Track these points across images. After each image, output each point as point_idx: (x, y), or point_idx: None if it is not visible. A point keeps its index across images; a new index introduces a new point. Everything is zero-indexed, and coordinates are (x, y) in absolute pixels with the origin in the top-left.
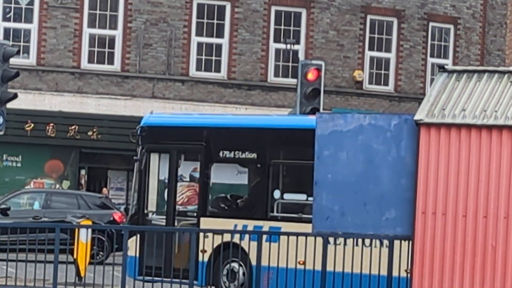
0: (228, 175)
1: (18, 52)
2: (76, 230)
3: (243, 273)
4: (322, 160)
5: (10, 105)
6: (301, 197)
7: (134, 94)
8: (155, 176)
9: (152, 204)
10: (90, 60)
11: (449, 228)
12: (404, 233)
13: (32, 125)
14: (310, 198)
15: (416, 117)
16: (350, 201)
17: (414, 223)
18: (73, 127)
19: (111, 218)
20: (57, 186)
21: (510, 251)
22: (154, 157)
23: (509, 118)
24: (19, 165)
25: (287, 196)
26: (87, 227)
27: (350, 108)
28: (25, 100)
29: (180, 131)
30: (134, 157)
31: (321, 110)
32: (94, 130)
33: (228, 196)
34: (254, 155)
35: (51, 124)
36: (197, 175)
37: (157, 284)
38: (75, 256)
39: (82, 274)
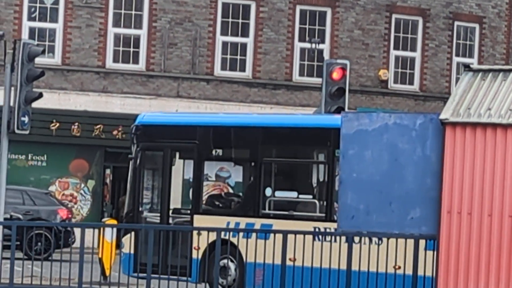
0: (220, 173)
1: (43, 52)
2: (101, 229)
3: (235, 269)
4: (347, 159)
5: (35, 104)
6: (292, 195)
7: (159, 94)
8: (149, 174)
9: (146, 202)
10: (115, 60)
11: (475, 227)
12: (429, 232)
13: (57, 124)
14: (301, 196)
15: (442, 116)
16: (375, 200)
17: (439, 223)
18: (98, 126)
19: (57, 214)
20: (82, 185)
21: None
22: (148, 156)
23: None
24: (44, 164)
25: (279, 193)
26: (112, 226)
27: (375, 107)
28: (50, 100)
29: (174, 130)
30: (129, 156)
31: (346, 109)
32: (119, 129)
33: (221, 194)
34: (246, 153)
35: (76, 124)
36: (191, 173)
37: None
38: (100, 256)
39: (107, 273)
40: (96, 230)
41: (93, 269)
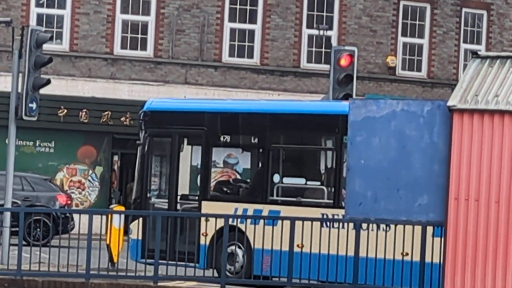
0: (228, 160)
1: (51, 38)
2: (109, 215)
3: (243, 256)
4: (355, 146)
5: (43, 91)
6: (300, 181)
7: (167, 80)
8: (157, 161)
9: (154, 188)
10: (123, 46)
11: (482, 214)
12: (437, 219)
13: (65, 111)
14: (309, 182)
15: (449, 103)
16: (383, 186)
17: (447, 209)
18: (106, 113)
19: (56, 200)
20: (90, 172)
21: None
22: (156, 142)
23: None
24: (52, 151)
25: (287, 180)
26: (120, 212)
27: (383, 94)
28: (58, 86)
29: (182, 116)
30: (137, 142)
31: (354, 96)
32: (127, 116)
33: (229, 180)
34: (254, 140)
35: (84, 110)
36: (199, 159)
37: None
38: (107, 242)
39: (115, 260)
40: (104, 217)
41: (101, 255)
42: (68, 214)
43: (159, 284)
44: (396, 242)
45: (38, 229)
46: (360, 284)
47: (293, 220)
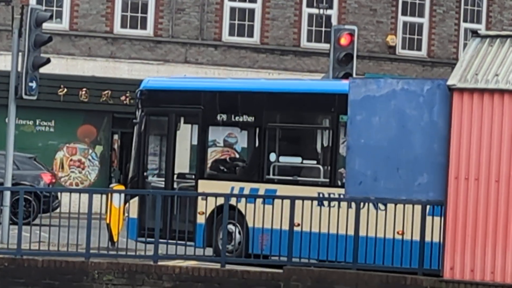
0: (225, 138)
1: (51, 17)
2: (109, 195)
3: (240, 235)
4: (354, 125)
5: (42, 70)
6: (296, 160)
7: (167, 59)
8: (153, 139)
9: (151, 167)
10: (123, 25)
11: (482, 193)
12: (437, 198)
13: (65, 90)
14: (305, 161)
15: (449, 82)
16: (383, 166)
17: (446, 188)
18: (106, 92)
19: (40, 179)
20: (90, 151)
21: None
22: (153, 121)
23: None
24: (51, 130)
25: (283, 159)
26: (120, 191)
27: (383, 73)
28: (58, 65)
29: (179, 95)
30: (134, 120)
31: (354, 75)
32: (127, 95)
33: (226, 159)
34: (251, 119)
35: (84, 89)
36: (196, 138)
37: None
38: (107, 221)
39: (115, 239)
40: (104, 196)
41: (101, 235)
42: (53, 193)
43: (159, 263)
44: (396, 221)
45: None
46: (360, 263)
47: (293, 199)
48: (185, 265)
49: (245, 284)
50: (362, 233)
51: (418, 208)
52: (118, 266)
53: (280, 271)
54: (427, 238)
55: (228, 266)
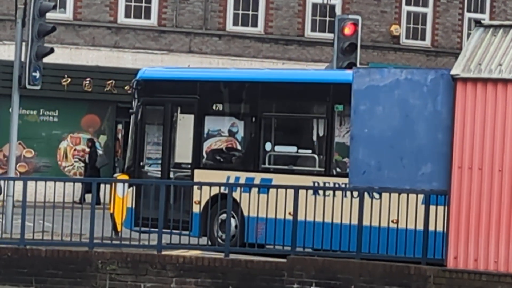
0: (221, 128)
1: (54, 7)
2: (113, 184)
3: (235, 224)
4: (358, 115)
5: (46, 59)
6: (292, 149)
7: (171, 49)
8: (150, 129)
9: (147, 156)
10: (127, 15)
11: (486, 182)
12: (440, 188)
13: (69, 80)
14: (301, 150)
15: (453, 72)
16: (387, 155)
17: (450, 178)
18: (109, 81)
19: None
20: (94, 141)
21: None
22: (149, 110)
23: None
24: (55, 120)
25: (279, 148)
26: (123, 181)
27: (386, 63)
28: (62, 55)
29: (175, 85)
30: (130, 110)
31: (358, 65)
32: (131, 84)
33: (221, 149)
34: (246, 108)
35: (88, 79)
36: (192, 128)
37: (153, 235)
38: (111, 211)
39: (119, 229)
40: (108, 186)
41: (105, 224)
42: None
43: (163, 252)
44: (401, 210)
45: None
46: (364, 252)
47: (297, 189)
48: (188, 255)
49: (249, 273)
50: (366, 222)
51: (421, 197)
52: (122, 255)
53: (284, 260)
54: (431, 228)
55: (231, 256)
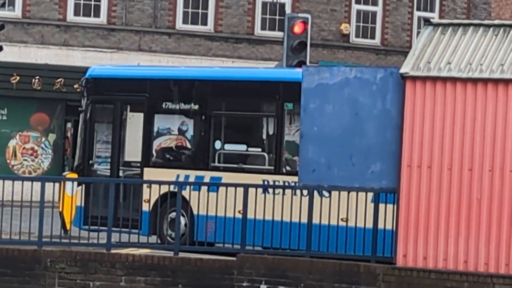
0: (171, 126)
1: (3, 5)
2: (62, 183)
3: (185, 223)
4: (308, 113)
5: None
6: (241, 148)
7: (120, 47)
8: (99, 127)
9: (96, 155)
10: (76, 13)
11: (435, 181)
12: (390, 186)
13: (18, 78)
14: (250, 149)
15: (402, 70)
16: (336, 154)
17: (399, 176)
18: (59, 80)
19: None
20: (43, 139)
21: (495, 204)
22: (99, 109)
23: (494, 71)
24: (4, 118)
25: (228, 146)
26: (73, 180)
27: (336, 61)
28: (11, 53)
29: (125, 83)
30: (79, 108)
31: (307, 63)
32: (81, 83)
33: (171, 147)
34: (196, 106)
35: (37, 77)
36: (141, 126)
37: (102, 234)
38: (60, 209)
39: (68, 227)
40: (57, 184)
41: (54, 223)
42: None
43: (112, 251)
44: (350, 209)
45: None
46: (314, 251)
47: (246, 187)
48: (138, 253)
49: (199, 272)
50: (315, 220)
51: (371, 196)
52: (71, 254)
53: (234, 259)
54: (380, 226)
55: (181, 254)
